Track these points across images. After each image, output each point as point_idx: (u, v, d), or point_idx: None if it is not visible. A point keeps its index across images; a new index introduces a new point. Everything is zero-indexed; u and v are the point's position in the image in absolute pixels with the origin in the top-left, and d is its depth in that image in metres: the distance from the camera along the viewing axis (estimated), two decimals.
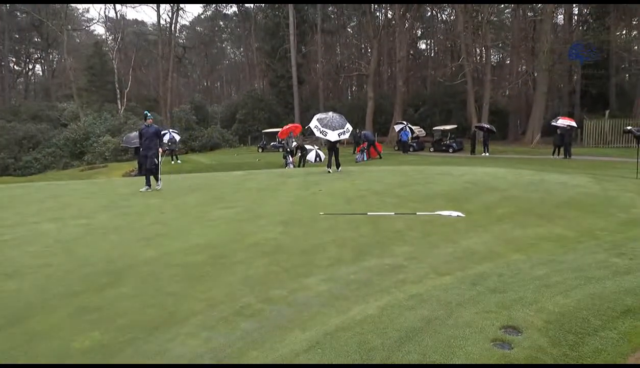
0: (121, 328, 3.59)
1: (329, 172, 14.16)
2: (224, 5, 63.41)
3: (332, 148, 14.76)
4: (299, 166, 22.59)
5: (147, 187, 11.06)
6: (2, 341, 3.40)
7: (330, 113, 14.82)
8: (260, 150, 37.92)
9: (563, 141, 22.37)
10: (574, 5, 38.99)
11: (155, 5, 48.15)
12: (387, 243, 5.96)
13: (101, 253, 5.69)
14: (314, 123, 14.12)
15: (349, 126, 14.35)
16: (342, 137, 14.32)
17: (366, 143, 26.15)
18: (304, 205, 8.59)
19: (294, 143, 23.91)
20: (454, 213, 7.48)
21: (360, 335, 3.21)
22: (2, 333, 3.52)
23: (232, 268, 5.01)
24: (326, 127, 13.91)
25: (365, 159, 25.45)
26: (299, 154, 23.64)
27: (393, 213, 7.63)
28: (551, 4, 31.67)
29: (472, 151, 27.67)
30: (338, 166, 14.70)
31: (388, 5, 47.48)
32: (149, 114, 11.17)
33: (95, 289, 4.46)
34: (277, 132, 32.74)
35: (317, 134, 14.17)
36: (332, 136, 13.90)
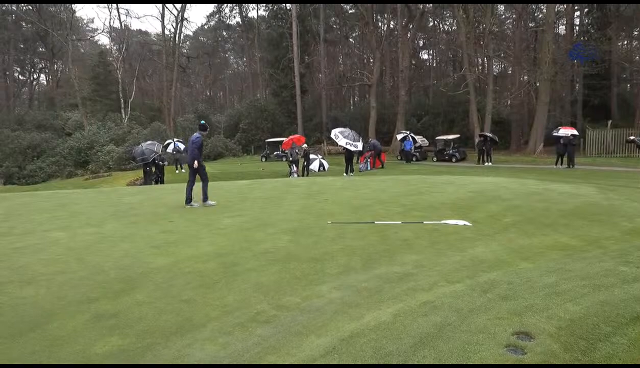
0: (139, 333, 3.66)
1: (350, 175, 18.95)
2: (227, 15, 64.07)
3: (350, 157, 20.23)
4: (302, 175, 22.69)
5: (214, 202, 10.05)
6: (23, 345, 3.47)
7: (347, 129, 21.66)
8: (263, 160, 38.05)
9: (566, 151, 22.47)
10: (576, 15, 39.30)
11: (159, 15, 48.95)
12: (395, 251, 6.03)
13: (113, 261, 5.76)
14: (343, 141, 19.88)
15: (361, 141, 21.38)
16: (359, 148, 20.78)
17: (369, 153, 26.26)
18: (310, 214, 8.67)
19: (304, 146, 24.02)
20: (461, 222, 7.56)
21: (375, 341, 3.27)
22: (24, 338, 3.59)
23: (244, 276, 5.09)
24: (352, 140, 19.52)
25: (369, 168, 25.55)
26: (304, 163, 23.75)
27: (400, 222, 7.71)
28: (552, 15, 31.89)
29: (481, 160, 27.68)
30: (352, 170, 19.66)
31: (390, 15, 47.93)
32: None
33: (110, 296, 4.54)
34: (280, 141, 32.94)
35: (350, 148, 19.92)
36: (360, 146, 20.34)
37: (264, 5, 54.36)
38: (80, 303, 4.34)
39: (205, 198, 9.95)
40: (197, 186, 10.12)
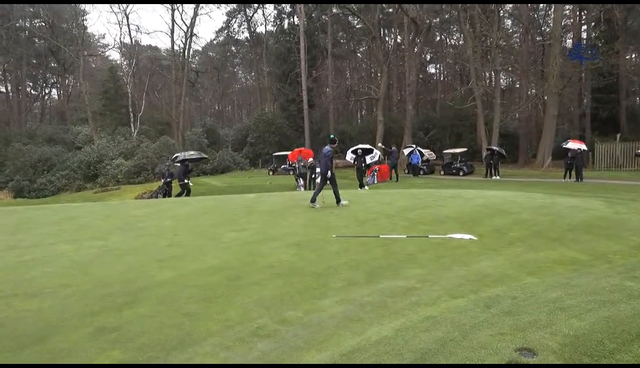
0: (140, 347, 3.66)
1: (365, 188, 20.29)
2: (236, 31, 64.83)
3: (361, 170, 21.74)
4: (308, 188, 22.69)
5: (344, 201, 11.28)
6: (27, 359, 3.49)
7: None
8: (270, 173, 38.15)
9: (574, 164, 22.30)
10: (583, 29, 39.32)
11: (169, 31, 49.56)
12: (400, 265, 6.00)
13: (117, 274, 5.79)
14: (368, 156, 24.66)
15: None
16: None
17: (375, 167, 26.23)
18: (316, 227, 8.66)
19: (310, 160, 24.02)
20: (466, 236, 7.51)
21: (376, 357, 3.24)
22: (27, 351, 3.61)
23: (247, 289, 5.08)
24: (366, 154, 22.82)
25: (375, 181, 25.52)
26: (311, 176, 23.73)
27: (405, 236, 7.67)
28: (559, 29, 31.93)
29: (489, 174, 27.39)
30: (362, 185, 20.94)
31: (397, 30, 48.25)
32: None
33: (113, 309, 4.55)
34: (288, 155, 33.04)
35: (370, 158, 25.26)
36: (376, 156, 25.65)
37: (272, 20, 55.13)
38: (83, 317, 4.35)
39: (338, 200, 11.19)
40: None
